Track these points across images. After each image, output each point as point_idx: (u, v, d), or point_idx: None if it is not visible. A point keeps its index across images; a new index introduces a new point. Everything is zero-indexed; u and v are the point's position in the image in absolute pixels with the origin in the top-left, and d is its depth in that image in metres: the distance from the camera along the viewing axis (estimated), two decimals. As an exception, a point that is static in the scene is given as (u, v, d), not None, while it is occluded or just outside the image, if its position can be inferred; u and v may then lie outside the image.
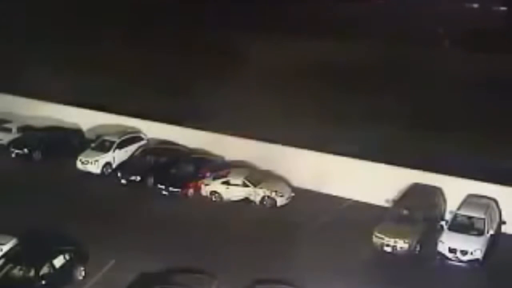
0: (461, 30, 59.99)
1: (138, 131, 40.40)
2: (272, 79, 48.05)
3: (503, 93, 43.29)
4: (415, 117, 41.02)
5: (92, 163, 37.51)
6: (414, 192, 32.03)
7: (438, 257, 28.89)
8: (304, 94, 45.00)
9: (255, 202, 34.23)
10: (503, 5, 66.53)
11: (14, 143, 40.15)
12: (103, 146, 38.43)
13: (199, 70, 50.22)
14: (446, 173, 32.47)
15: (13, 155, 39.51)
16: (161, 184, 35.25)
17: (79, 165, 37.79)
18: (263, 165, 36.63)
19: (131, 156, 38.44)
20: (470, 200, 30.99)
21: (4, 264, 26.41)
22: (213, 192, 34.75)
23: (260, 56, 52.27)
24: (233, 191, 34.47)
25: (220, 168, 36.12)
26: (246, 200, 34.43)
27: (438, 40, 59.10)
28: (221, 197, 34.66)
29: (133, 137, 39.63)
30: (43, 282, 25.82)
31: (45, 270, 26.02)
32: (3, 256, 27.37)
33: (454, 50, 56.49)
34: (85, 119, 42.50)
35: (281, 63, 51.35)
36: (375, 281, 27.10)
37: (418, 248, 29.32)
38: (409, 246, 29.00)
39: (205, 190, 35.00)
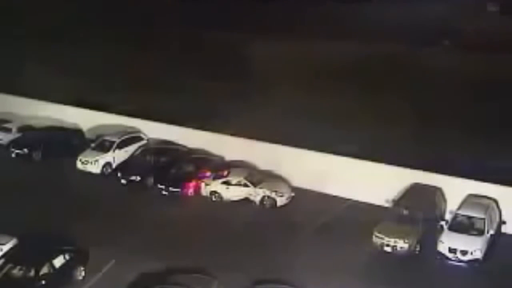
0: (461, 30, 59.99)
1: (138, 131, 40.40)
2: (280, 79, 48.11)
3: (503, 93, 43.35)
4: (416, 117, 41.02)
5: (92, 163, 37.50)
6: (414, 192, 32.03)
7: (438, 257, 28.90)
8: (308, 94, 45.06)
9: (255, 202, 34.23)
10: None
11: (14, 143, 40.10)
12: (103, 146, 38.42)
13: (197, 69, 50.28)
14: (446, 173, 32.49)
15: (13, 155, 39.47)
16: (161, 184, 35.26)
17: (79, 165, 37.78)
18: (263, 165, 36.63)
19: (131, 156, 38.43)
20: (470, 200, 31.00)
21: (4, 264, 26.43)
22: (213, 192, 34.75)
23: (263, 57, 52.36)
24: (233, 191, 34.47)
25: (220, 168, 36.12)
26: (246, 200, 34.44)
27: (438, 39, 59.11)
28: (221, 197, 34.66)
29: (133, 137, 39.61)
30: (43, 282, 25.84)
31: (45, 270, 26.05)
32: (3, 256, 27.39)
33: (454, 50, 56.45)
34: (85, 119, 42.49)
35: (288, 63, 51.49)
36: (375, 281, 27.10)
37: (418, 248, 29.32)
38: (409, 246, 29.00)
39: (205, 190, 35.01)
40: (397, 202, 31.59)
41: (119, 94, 45.95)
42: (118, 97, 45.11)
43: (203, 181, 35.19)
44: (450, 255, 28.66)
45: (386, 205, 32.20)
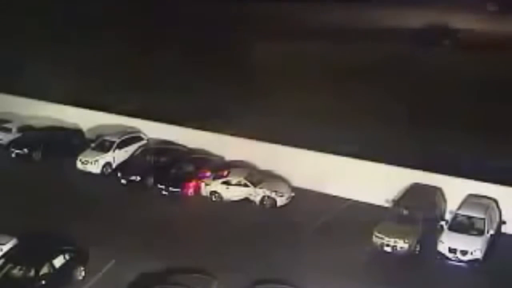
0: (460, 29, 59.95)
1: (138, 131, 40.43)
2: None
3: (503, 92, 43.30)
4: (415, 116, 40.99)
5: (92, 163, 37.52)
6: (414, 192, 32.04)
7: (438, 257, 28.91)
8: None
9: (255, 202, 34.24)
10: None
11: (14, 143, 40.13)
12: (103, 146, 38.44)
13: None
14: (446, 173, 32.49)
15: (13, 155, 39.50)
16: (161, 184, 35.28)
17: (79, 165, 37.79)
18: (263, 165, 36.64)
19: (131, 156, 38.45)
20: (470, 200, 31.01)
21: (4, 264, 26.43)
22: (213, 192, 34.76)
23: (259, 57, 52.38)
24: (233, 191, 34.48)
25: (220, 168, 36.13)
26: (246, 200, 34.45)
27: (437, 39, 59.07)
28: (221, 197, 34.67)
29: (133, 137, 39.65)
30: (43, 282, 25.84)
31: (45, 270, 26.05)
32: (3, 256, 27.38)
33: (454, 50, 56.46)
34: (85, 119, 42.52)
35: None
36: (375, 281, 27.12)
37: (418, 248, 29.33)
38: (409, 246, 29.01)
39: (205, 190, 35.02)
40: (397, 202, 31.59)
41: (116, 94, 45.98)
42: (114, 96, 45.15)
43: (203, 181, 35.20)
44: (450, 255, 28.66)
45: (386, 205, 32.20)
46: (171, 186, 35.05)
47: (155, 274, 26.80)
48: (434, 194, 31.94)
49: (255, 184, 34.39)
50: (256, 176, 35.20)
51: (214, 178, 35.12)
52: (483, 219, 29.44)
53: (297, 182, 35.33)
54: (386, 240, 29.17)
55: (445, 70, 49.81)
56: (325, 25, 61.14)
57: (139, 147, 39.16)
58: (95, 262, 27.72)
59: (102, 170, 37.56)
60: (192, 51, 55.51)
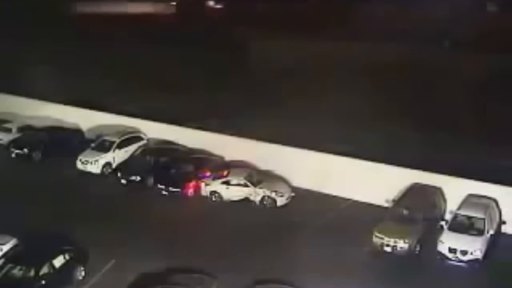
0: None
1: (138, 131, 40.44)
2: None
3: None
4: (415, 116, 41.04)
5: (92, 163, 37.53)
6: (414, 192, 32.02)
7: (438, 257, 28.90)
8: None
9: (255, 202, 34.24)
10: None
11: (14, 143, 40.19)
12: (103, 146, 38.47)
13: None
14: (446, 173, 32.49)
15: (13, 155, 39.54)
16: (161, 184, 35.28)
17: (79, 165, 37.81)
18: (263, 165, 36.63)
19: (131, 156, 38.45)
20: (470, 200, 30.99)
21: (4, 264, 26.43)
22: (213, 192, 34.76)
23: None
24: (233, 191, 34.48)
25: (220, 168, 36.13)
26: (246, 200, 34.44)
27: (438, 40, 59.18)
28: (221, 197, 34.67)
29: (133, 137, 39.67)
30: (43, 282, 25.83)
31: (45, 270, 26.03)
32: (3, 256, 27.39)
33: (455, 50, 56.54)
34: (85, 119, 42.54)
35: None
36: (375, 281, 27.09)
37: (418, 248, 29.31)
38: (409, 246, 28.99)
39: (205, 190, 35.02)
40: (397, 202, 31.58)
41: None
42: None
43: (203, 181, 35.20)
44: (450, 255, 28.65)
45: (386, 205, 32.20)
46: (171, 186, 35.05)
47: (155, 274, 26.79)
48: (434, 194, 31.94)
49: (255, 184, 34.39)
50: (256, 176, 35.19)
51: (214, 178, 35.11)
52: (483, 219, 29.42)
53: (297, 182, 35.33)
54: (386, 240, 29.16)
55: (446, 70, 49.92)
56: (331, 24, 61.26)
57: (139, 147, 39.17)
58: (95, 262, 27.72)
59: (102, 170, 37.58)
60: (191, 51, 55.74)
